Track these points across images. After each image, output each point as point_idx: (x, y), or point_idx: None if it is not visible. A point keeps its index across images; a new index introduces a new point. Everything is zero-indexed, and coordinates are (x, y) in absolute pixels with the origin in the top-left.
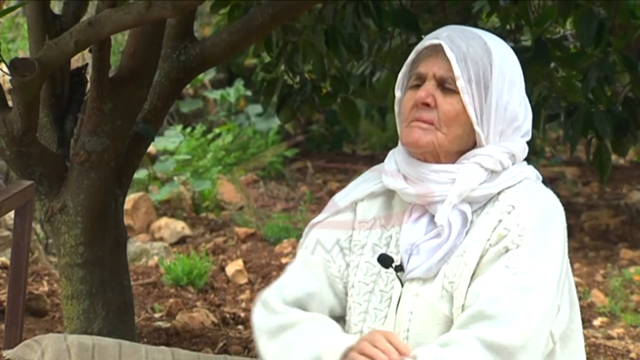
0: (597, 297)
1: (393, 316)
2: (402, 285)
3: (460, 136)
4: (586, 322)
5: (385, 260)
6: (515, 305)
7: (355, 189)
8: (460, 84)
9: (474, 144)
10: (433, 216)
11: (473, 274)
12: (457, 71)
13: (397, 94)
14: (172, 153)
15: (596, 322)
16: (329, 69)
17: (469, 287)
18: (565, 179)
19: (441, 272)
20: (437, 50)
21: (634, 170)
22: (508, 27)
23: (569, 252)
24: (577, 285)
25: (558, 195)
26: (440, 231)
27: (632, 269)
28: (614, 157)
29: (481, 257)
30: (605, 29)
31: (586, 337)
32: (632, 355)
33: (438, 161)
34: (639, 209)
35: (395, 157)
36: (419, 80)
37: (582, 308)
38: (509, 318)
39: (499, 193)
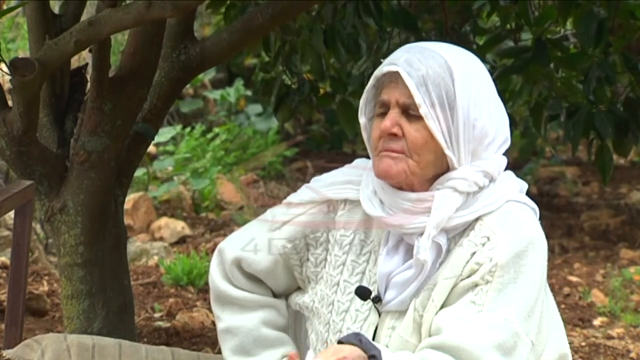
0: (597, 297)
1: None
2: (380, 315)
3: (433, 161)
4: (586, 322)
5: (363, 294)
6: (476, 343)
7: (332, 185)
8: (424, 110)
9: (447, 167)
10: (409, 245)
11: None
12: (418, 98)
13: (361, 120)
14: (171, 153)
15: (596, 322)
16: (327, 69)
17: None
18: (565, 179)
19: (411, 305)
20: (396, 76)
21: (634, 170)
22: (508, 26)
23: (569, 252)
24: (577, 285)
25: (558, 195)
26: (414, 264)
27: (632, 269)
28: (614, 157)
29: (450, 291)
30: (605, 29)
31: (586, 337)
32: (632, 355)
33: (412, 189)
34: (639, 209)
35: (372, 178)
36: (384, 108)
37: (582, 308)
38: (469, 354)
39: (475, 219)
